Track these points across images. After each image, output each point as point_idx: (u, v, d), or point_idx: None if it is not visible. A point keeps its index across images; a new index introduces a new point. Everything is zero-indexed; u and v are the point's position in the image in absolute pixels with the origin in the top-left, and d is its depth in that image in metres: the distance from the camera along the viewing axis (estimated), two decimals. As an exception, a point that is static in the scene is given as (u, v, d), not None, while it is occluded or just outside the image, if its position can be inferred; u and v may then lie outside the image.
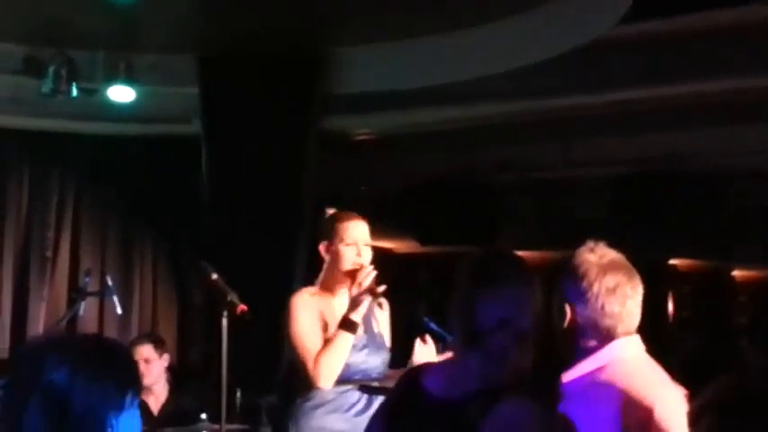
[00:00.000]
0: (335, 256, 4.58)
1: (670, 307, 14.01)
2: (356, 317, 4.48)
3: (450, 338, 4.74)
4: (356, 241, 4.58)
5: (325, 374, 4.43)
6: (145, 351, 6.73)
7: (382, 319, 4.74)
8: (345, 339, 4.46)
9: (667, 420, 2.95)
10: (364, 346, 4.56)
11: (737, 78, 7.49)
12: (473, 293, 2.91)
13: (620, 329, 3.12)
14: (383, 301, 4.54)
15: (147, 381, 6.47)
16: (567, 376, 3.12)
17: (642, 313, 3.21)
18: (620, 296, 3.11)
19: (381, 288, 4.46)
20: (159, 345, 6.87)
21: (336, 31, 7.43)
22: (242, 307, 4.94)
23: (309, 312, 4.54)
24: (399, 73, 7.89)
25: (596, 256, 3.18)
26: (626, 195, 9.78)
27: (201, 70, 7.75)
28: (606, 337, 3.11)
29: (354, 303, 4.49)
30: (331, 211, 4.75)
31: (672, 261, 13.93)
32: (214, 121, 7.82)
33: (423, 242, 11.04)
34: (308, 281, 4.81)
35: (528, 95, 8.17)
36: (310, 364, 4.42)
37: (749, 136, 8.79)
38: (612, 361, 3.09)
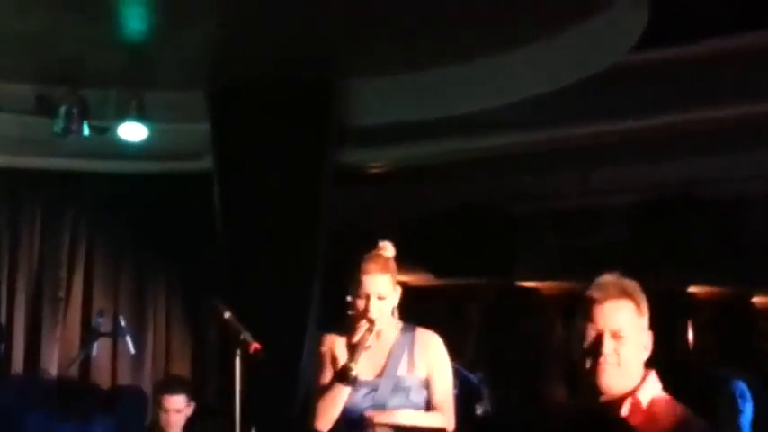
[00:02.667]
0: (353, 308, 4.59)
1: (690, 335, 13.94)
2: (355, 366, 4.47)
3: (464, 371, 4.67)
4: (368, 294, 4.57)
5: (320, 419, 4.49)
6: (178, 402, 6.61)
7: (422, 358, 4.66)
8: (338, 390, 4.48)
9: None
10: (371, 390, 4.53)
11: (755, 104, 7.43)
12: (493, 332, 2.87)
13: None
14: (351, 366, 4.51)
15: (174, 430, 6.42)
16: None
17: (662, 341, 3.23)
18: None
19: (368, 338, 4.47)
20: (190, 394, 6.77)
21: (349, 62, 7.40)
22: (255, 345, 4.88)
23: (326, 357, 4.61)
24: (414, 104, 7.85)
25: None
26: (644, 223, 9.71)
27: (212, 105, 7.72)
28: None
29: (352, 352, 4.49)
30: (384, 243, 4.73)
31: (691, 289, 13.85)
32: (226, 156, 7.78)
33: (437, 274, 10.97)
34: (324, 316, 4.78)
35: (544, 124, 8.13)
36: (313, 405, 4.53)
37: (765, 161, 8.72)
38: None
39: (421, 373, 4.63)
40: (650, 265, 3.16)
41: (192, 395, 6.71)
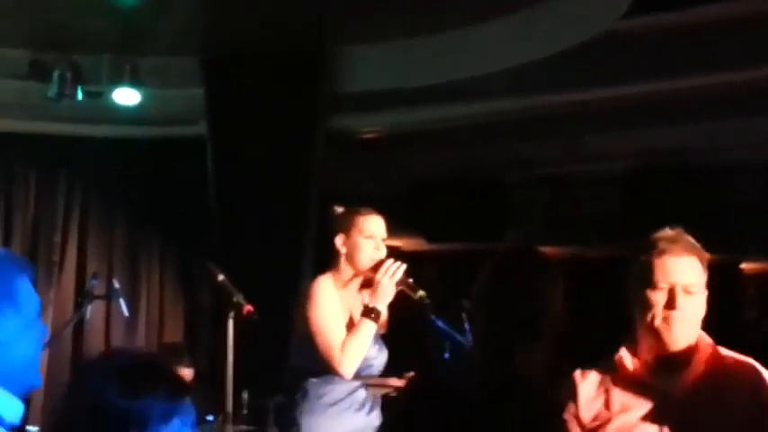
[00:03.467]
0: (353, 249, 4.52)
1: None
2: (381, 306, 4.43)
3: (457, 336, 4.71)
4: (374, 234, 4.54)
5: (350, 362, 4.35)
6: (187, 375, 6.67)
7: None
8: (369, 328, 4.39)
9: None
10: (375, 342, 4.53)
11: (746, 70, 7.46)
12: (493, 289, 2.90)
13: None
14: (422, 293, 4.42)
15: None
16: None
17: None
18: None
19: (420, 293, 4.40)
20: (190, 363, 6.82)
21: (341, 29, 7.41)
22: (248, 307, 4.92)
23: (332, 299, 4.48)
24: (405, 70, 7.86)
25: None
26: (634, 190, 9.76)
27: (206, 71, 7.74)
28: None
29: (377, 292, 4.43)
30: (339, 208, 4.71)
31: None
32: (219, 121, 7.81)
33: (430, 239, 11.02)
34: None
35: (535, 91, 8.15)
36: (336, 351, 4.35)
37: (758, 128, 8.75)
38: None
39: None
40: (640, 232, 3.18)
41: (191, 365, 6.80)
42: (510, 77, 7.72)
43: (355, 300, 4.54)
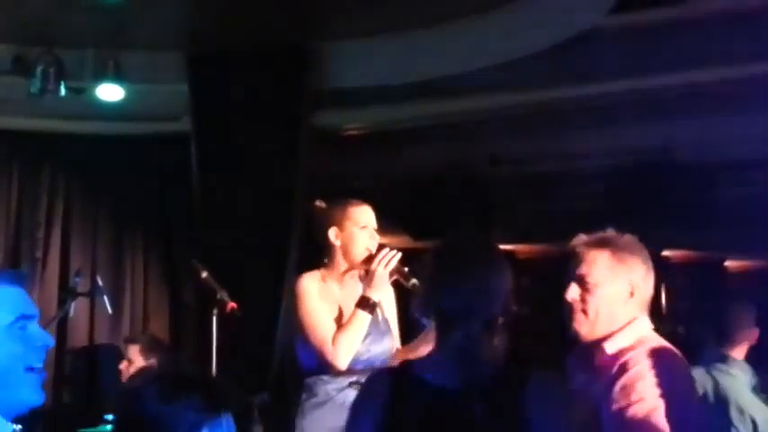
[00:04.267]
0: (348, 241, 4.52)
1: (663, 299, 14.02)
2: (375, 296, 4.42)
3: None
4: (368, 224, 4.53)
5: (343, 355, 4.37)
6: (131, 351, 6.74)
7: (388, 306, 4.68)
8: (363, 318, 4.40)
9: None
10: (367, 335, 4.50)
11: (729, 67, 7.46)
12: (440, 279, 2.90)
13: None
14: (415, 282, 4.38)
15: (124, 380, 6.50)
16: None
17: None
18: None
19: (413, 281, 4.37)
20: (149, 349, 6.85)
21: (325, 25, 7.40)
22: (232, 304, 4.92)
23: (317, 293, 4.50)
24: (389, 67, 7.85)
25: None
26: (621, 188, 9.76)
27: (190, 67, 7.71)
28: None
29: (371, 281, 4.42)
30: (322, 203, 4.69)
31: (665, 252, 13.93)
32: (203, 118, 7.78)
33: (415, 237, 11.01)
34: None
35: (520, 88, 8.13)
36: (328, 345, 4.37)
37: (743, 126, 8.76)
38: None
39: (389, 318, 4.65)
40: (624, 229, 3.19)
41: (153, 351, 6.78)
42: (495, 74, 7.71)
43: (353, 291, 4.53)
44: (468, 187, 10.37)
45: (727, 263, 15.22)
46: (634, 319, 3.25)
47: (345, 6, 7.00)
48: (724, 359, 5.68)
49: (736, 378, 5.61)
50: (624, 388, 3.06)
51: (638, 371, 3.09)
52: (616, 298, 3.23)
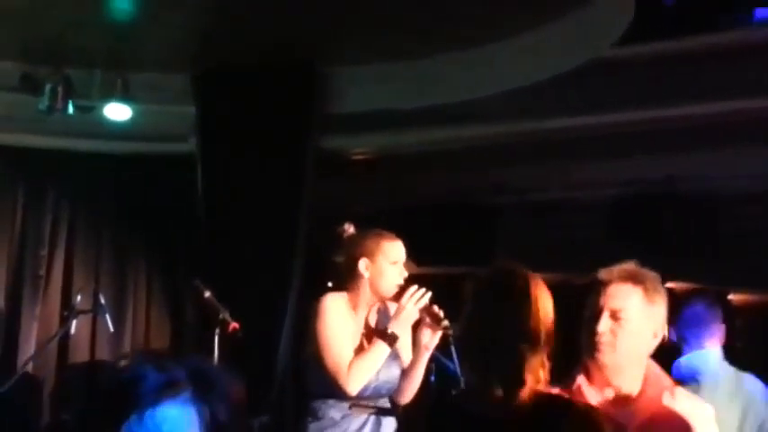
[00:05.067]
0: (378, 275, 4.51)
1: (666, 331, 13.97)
2: (399, 331, 4.42)
3: (442, 359, 4.68)
4: (399, 260, 4.53)
5: (357, 382, 4.36)
6: None
7: (403, 336, 4.66)
8: (382, 350, 4.40)
9: None
10: (389, 364, 4.51)
11: (735, 100, 7.48)
12: (497, 308, 2.90)
13: None
14: (447, 324, 4.39)
15: None
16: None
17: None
18: None
19: (445, 323, 4.38)
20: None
21: (334, 49, 7.42)
22: (234, 325, 4.92)
23: (342, 315, 4.48)
24: (397, 93, 7.87)
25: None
26: (623, 218, 9.76)
27: (198, 88, 7.74)
28: None
29: (399, 316, 4.42)
30: (350, 227, 4.69)
31: (667, 284, 13.89)
32: (210, 139, 7.80)
33: (419, 263, 11.00)
34: (303, 300, 4.77)
35: (526, 116, 8.15)
36: (344, 370, 4.35)
37: (746, 158, 8.77)
38: None
39: (401, 347, 4.64)
40: (627, 259, 3.20)
41: None
42: (501, 103, 7.74)
43: (370, 321, 4.54)
44: (472, 215, 10.38)
45: (731, 296, 15.19)
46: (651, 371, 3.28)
47: (355, 32, 7.03)
48: None
49: None
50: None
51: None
52: (644, 338, 3.24)
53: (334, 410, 4.42)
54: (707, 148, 8.66)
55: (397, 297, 4.46)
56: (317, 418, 4.44)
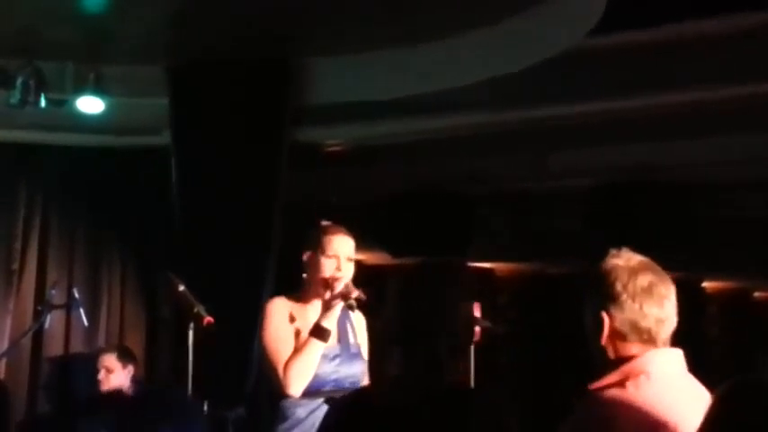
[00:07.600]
0: (315, 266, 4.55)
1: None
2: (328, 324, 4.45)
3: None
4: (337, 255, 4.54)
5: (294, 382, 4.40)
6: (107, 360, 6.78)
7: (360, 330, 4.71)
8: (315, 347, 4.43)
9: None
10: (336, 356, 4.53)
11: (710, 89, 7.50)
12: (402, 302, 2.91)
13: (662, 334, 3.08)
14: (359, 294, 4.45)
15: (105, 389, 6.53)
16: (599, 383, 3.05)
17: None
18: (656, 296, 3.08)
19: (355, 293, 4.42)
20: (124, 356, 6.90)
21: (307, 41, 7.39)
22: (208, 319, 4.90)
23: (282, 318, 4.52)
24: (370, 84, 7.86)
25: (623, 259, 3.13)
26: (599, 207, 9.79)
27: (171, 81, 7.69)
28: (648, 340, 3.07)
29: (326, 310, 4.46)
30: (326, 223, 4.71)
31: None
32: (184, 131, 7.75)
33: (394, 254, 11.01)
34: (278, 293, 4.76)
35: (500, 107, 8.16)
36: (280, 371, 4.40)
37: (723, 146, 8.80)
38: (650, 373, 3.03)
39: (361, 344, 4.68)
40: (603, 249, 3.19)
41: (128, 358, 6.83)
42: (476, 92, 7.74)
43: (316, 316, 4.54)
44: (447, 204, 10.39)
45: (706, 283, 15.28)
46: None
47: (328, 23, 7.00)
48: None
49: None
50: None
51: None
52: None
53: (299, 409, 4.45)
54: (682, 137, 8.69)
55: (328, 286, 4.49)
56: (283, 418, 4.47)
